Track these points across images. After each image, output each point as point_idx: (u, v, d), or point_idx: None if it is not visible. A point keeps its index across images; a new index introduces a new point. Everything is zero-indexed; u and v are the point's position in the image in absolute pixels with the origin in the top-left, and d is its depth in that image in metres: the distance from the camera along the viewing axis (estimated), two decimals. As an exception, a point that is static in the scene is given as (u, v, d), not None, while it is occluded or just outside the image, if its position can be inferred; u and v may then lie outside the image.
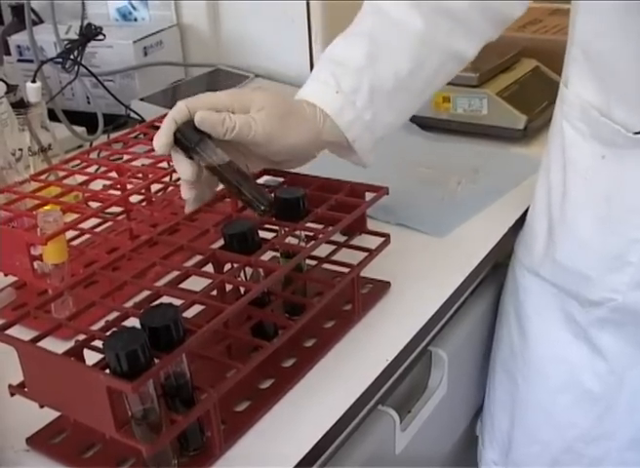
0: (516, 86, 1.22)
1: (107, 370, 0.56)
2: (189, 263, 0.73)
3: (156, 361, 0.56)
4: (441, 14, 0.84)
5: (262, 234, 0.76)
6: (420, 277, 0.85)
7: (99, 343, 0.59)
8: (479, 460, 1.07)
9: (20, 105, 1.03)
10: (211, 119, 0.73)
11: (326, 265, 0.79)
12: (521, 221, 0.97)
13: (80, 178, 0.93)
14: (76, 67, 1.23)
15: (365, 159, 0.85)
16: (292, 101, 0.81)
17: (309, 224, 0.77)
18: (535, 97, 1.20)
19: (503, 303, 1.00)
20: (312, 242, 0.75)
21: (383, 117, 0.84)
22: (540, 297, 0.93)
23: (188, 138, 0.73)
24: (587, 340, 0.89)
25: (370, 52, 0.82)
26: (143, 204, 0.93)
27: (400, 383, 0.83)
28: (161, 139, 0.72)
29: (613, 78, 0.77)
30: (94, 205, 0.86)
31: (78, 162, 0.97)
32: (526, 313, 0.95)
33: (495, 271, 1.01)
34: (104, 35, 1.24)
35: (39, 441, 0.66)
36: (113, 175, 0.94)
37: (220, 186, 0.79)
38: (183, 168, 0.73)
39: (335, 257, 0.79)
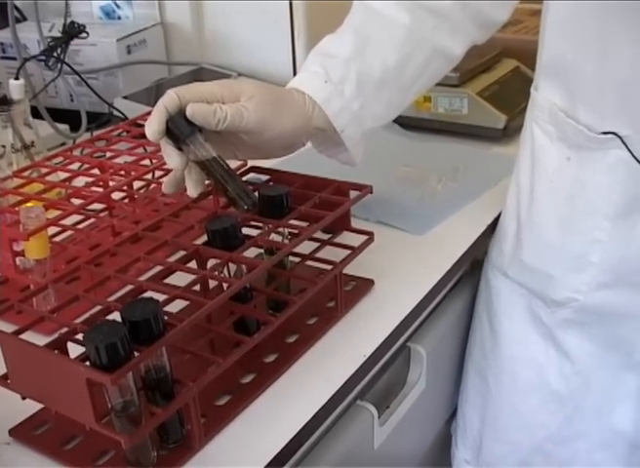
0: (496, 86, 1.23)
1: (88, 363, 0.56)
2: (173, 259, 0.73)
3: (136, 354, 0.57)
4: (426, 10, 0.85)
5: (247, 231, 0.77)
6: (398, 274, 0.86)
7: (81, 337, 0.59)
8: (452, 459, 1.08)
9: (3, 102, 1.03)
10: (202, 111, 0.72)
11: (310, 263, 0.80)
12: (498, 220, 0.98)
13: (63, 175, 0.94)
14: (59, 65, 1.23)
15: (353, 153, 0.84)
16: (281, 89, 0.81)
17: (293, 221, 0.78)
18: (515, 97, 1.21)
19: (477, 304, 1.01)
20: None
21: (371, 108, 0.84)
22: (509, 298, 0.94)
23: (181, 129, 0.72)
24: (554, 341, 0.90)
25: (358, 44, 0.83)
26: (126, 201, 0.94)
27: (379, 379, 0.84)
28: (153, 126, 0.71)
29: (576, 80, 0.79)
30: (76, 201, 0.87)
31: (61, 159, 0.98)
32: (496, 314, 0.96)
33: (473, 269, 1.02)
34: (88, 33, 1.24)
35: (22, 432, 0.66)
36: (96, 172, 0.94)
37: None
38: (173, 158, 0.72)
39: (319, 255, 0.80)
